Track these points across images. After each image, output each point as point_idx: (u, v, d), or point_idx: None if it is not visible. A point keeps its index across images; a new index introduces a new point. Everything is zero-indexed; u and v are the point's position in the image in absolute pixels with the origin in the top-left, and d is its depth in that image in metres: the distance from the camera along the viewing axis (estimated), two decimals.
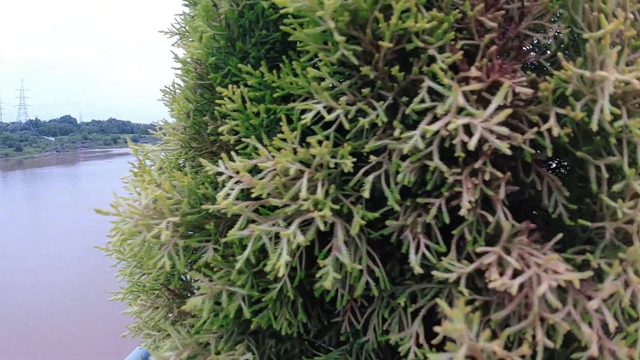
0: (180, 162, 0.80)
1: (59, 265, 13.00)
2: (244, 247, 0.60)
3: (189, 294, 0.80)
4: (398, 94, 0.58)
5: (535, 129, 0.54)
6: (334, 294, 0.62)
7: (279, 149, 0.54)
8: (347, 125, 0.56)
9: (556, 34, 0.64)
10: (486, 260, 0.51)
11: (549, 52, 0.67)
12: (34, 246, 15.34)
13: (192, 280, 0.83)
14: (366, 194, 0.55)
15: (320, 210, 0.52)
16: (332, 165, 0.54)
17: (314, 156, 0.53)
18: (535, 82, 0.56)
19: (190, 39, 0.91)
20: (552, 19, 0.64)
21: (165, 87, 0.93)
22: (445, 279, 0.53)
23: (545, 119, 0.53)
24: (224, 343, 0.61)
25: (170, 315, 0.76)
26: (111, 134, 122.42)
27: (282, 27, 0.56)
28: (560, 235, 0.55)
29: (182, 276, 0.78)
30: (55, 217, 20.76)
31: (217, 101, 0.58)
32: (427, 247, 0.57)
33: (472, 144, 0.48)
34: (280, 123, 0.56)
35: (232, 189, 0.50)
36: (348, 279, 0.61)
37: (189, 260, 0.62)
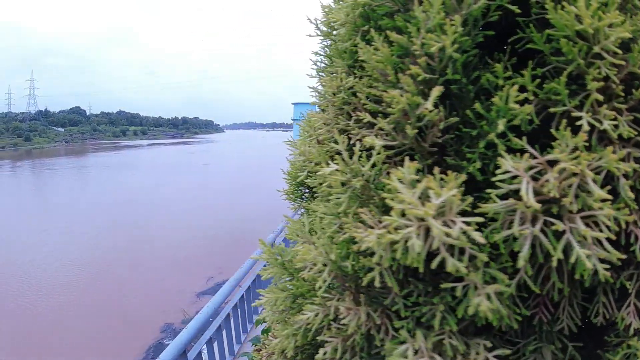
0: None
1: (64, 258, 13.05)
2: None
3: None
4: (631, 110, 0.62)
5: None
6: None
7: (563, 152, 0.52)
8: (613, 135, 0.58)
9: None
10: None
11: None
12: (40, 237, 15.42)
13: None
14: (629, 193, 0.57)
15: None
16: (613, 170, 0.54)
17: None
18: None
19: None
20: None
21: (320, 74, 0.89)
22: None
23: None
24: (460, 343, 0.59)
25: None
26: (120, 126, 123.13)
27: (558, 38, 0.56)
28: None
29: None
30: (61, 209, 20.86)
31: (495, 99, 0.56)
32: None
33: None
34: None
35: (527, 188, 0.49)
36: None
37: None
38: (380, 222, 0.51)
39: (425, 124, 0.59)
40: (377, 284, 0.55)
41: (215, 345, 3.73)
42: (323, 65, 1.14)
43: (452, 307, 0.59)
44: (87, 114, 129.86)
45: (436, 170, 0.50)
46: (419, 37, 0.58)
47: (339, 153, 0.75)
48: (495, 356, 0.59)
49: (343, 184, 0.59)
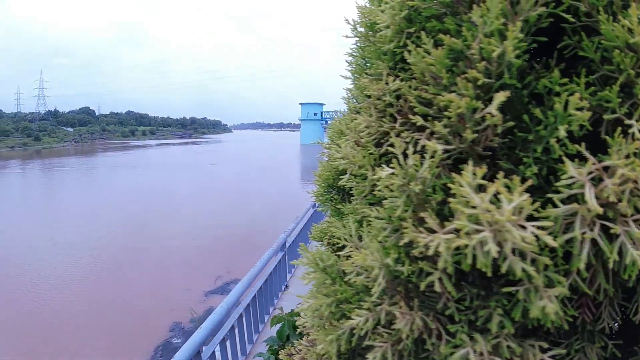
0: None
1: (73, 256, 13.12)
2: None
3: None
4: None
5: None
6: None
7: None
8: None
9: None
10: None
11: None
12: (51, 235, 15.52)
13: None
14: None
15: None
16: None
17: None
18: None
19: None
20: None
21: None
22: None
23: None
24: (517, 345, 0.60)
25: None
26: (129, 126, 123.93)
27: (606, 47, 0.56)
28: None
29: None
30: (71, 207, 20.99)
31: (556, 106, 0.57)
32: None
33: None
34: None
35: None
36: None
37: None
38: (442, 226, 0.52)
39: (481, 128, 0.59)
40: (437, 288, 0.55)
41: (228, 345, 3.74)
42: (354, 67, 1.14)
43: (506, 310, 0.59)
44: (97, 114, 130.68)
45: (500, 175, 0.50)
46: (476, 41, 0.59)
47: (383, 155, 0.75)
48: (550, 356, 0.60)
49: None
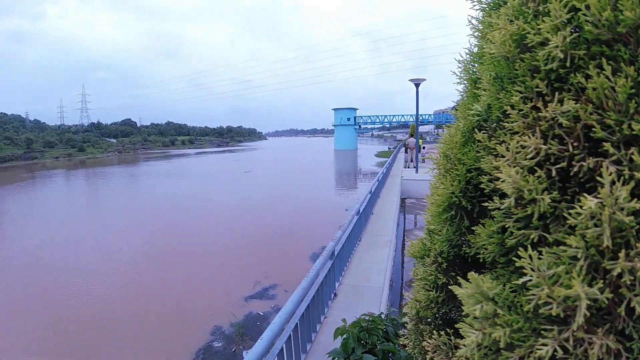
0: None
1: (117, 261, 13.49)
2: None
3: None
4: None
5: None
6: None
7: None
8: None
9: None
10: None
11: None
12: (95, 240, 16.09)
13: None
14: None
15: None
16: None
17: None
18: None
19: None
20: None
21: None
22: None
23: None
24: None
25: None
26: (169, 136, 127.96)
27: None
28: None
29: None
30: (116, 214, 21.71)
31: None
32: None
33: None
34: None
35: None
36: None
37: None
38: None
39: None
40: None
41: (284, 354, 3.76)
42: (468, 82, 1.13)
43: None
44: (138, 125, 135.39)
45: None
46: None
47: (550, 179, 0.74)
48: None
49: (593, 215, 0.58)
